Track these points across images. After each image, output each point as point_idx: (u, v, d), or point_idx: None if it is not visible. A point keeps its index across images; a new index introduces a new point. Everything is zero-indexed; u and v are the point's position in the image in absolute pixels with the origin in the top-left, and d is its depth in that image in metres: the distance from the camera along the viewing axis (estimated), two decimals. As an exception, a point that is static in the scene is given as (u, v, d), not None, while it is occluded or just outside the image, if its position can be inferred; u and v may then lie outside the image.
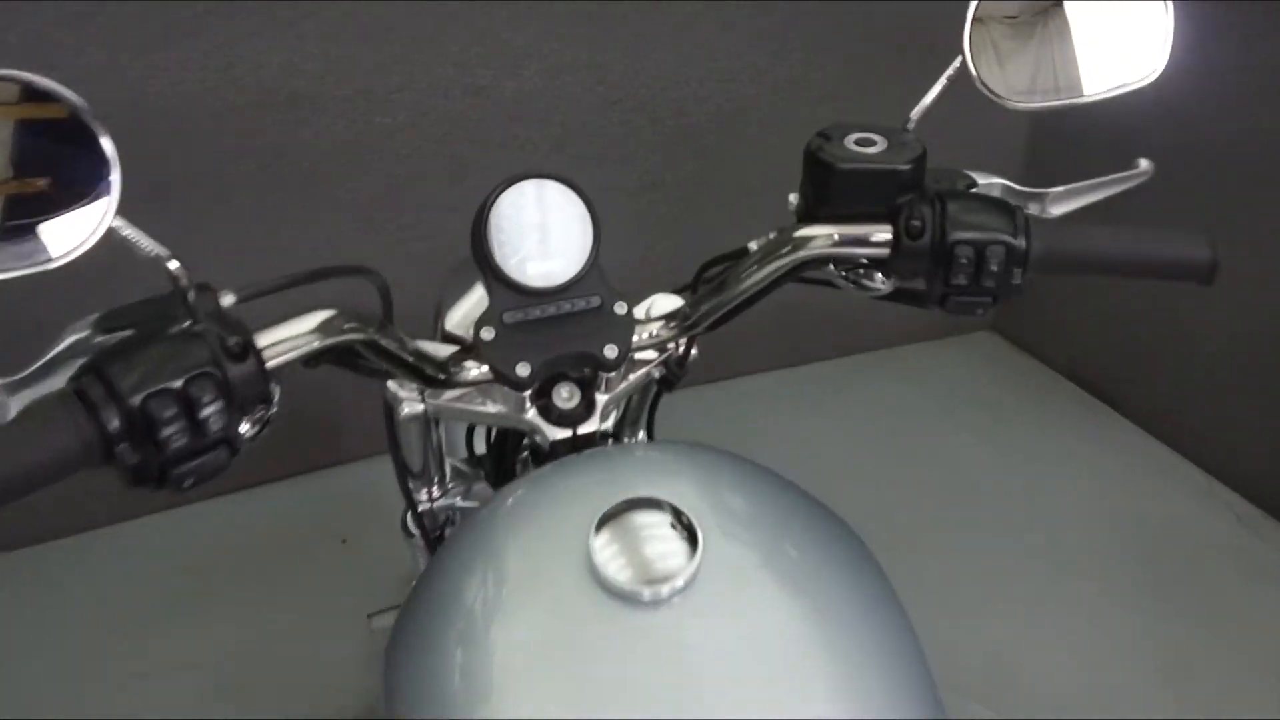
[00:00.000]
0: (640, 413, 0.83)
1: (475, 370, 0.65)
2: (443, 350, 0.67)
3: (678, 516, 0.54)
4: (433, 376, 0.63)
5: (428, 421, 0.75)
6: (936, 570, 1.82)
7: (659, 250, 2.14)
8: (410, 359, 0.60)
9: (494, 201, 0.66)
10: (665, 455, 0.64)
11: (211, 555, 1.93)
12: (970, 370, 2.53)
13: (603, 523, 0.54)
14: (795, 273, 0.62)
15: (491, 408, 0.69)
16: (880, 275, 0.62)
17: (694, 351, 0.73)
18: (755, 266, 0.62)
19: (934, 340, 2.64)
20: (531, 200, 0.67)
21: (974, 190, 0.59)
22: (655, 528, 0.55)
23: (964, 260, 0.55)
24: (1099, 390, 2.37)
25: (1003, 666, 1.64)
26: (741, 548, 0.55)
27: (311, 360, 0.53)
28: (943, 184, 0.58)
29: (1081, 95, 0.55)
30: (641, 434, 0.83)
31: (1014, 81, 0.55)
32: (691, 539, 0.53)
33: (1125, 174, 0.60)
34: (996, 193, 0.60)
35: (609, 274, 0.68)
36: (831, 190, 0.58)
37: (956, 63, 0.57)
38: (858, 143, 0.58)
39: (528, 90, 1.90)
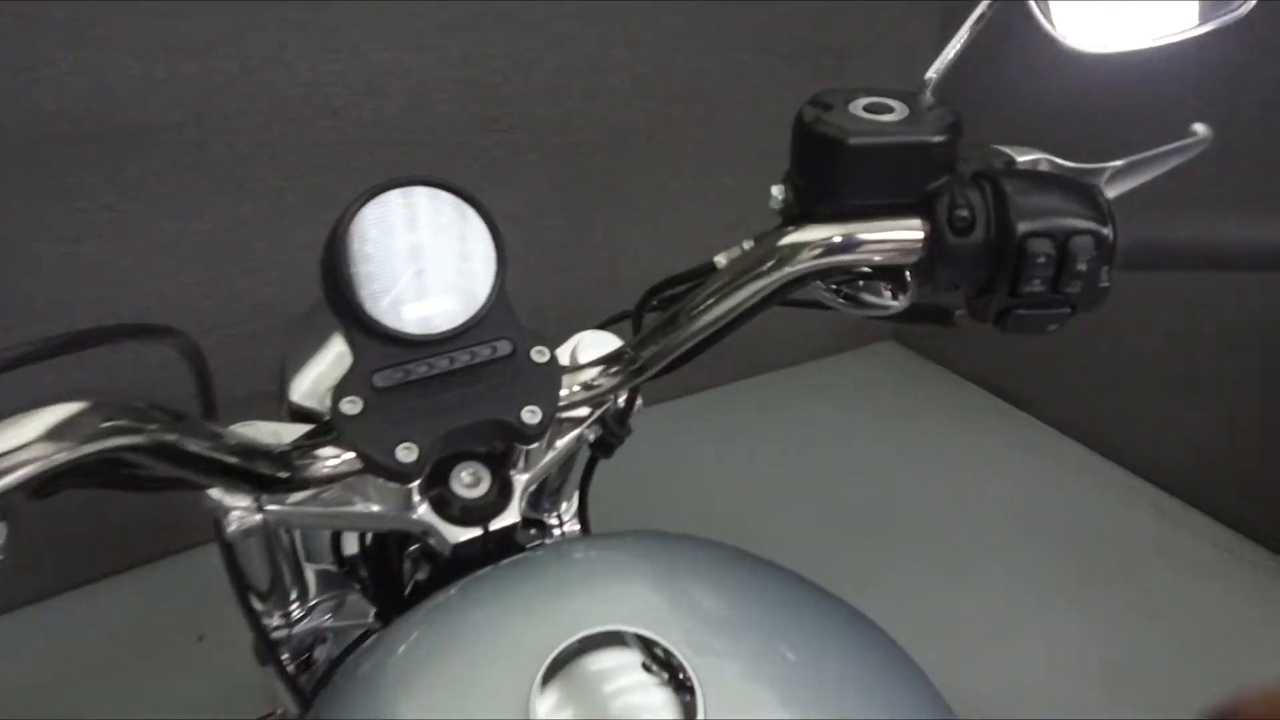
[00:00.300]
0: (565, 489, 0.64)
1: (335, 460, 0.45)
2: (285, 434, 0.46)
3: (656, 654, 0.36)
4: (264, 477, 0.42)
5: (272, 532, 0.55)
6: (866, 580, 1.72)
7: (550, 283, 1.96)
8: (230, 460, 0.40)
9: (351, 221, 0.46)
10: (625, 556, 0.46)
11: (38, 670, 1.61)
12: (877, 382, 2.49)
13: (551, 673, 0.36)
14: (784, 292, 0.45)
15: (363, 507, 0.49)
16: (891, 290, 0.45)
17: (638, 403, 0.55)
18: (727, 289, 0.45)
19: (836, 355, 2.57)
20: (404, 217, 0.48)
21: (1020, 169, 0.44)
22: (627, 673, 0.37)
23: (1041, 259, 0.39)
24: (1008, 394, 2.34)
25: (937, 670, 1.53)
26: (763, 691, 0.37)
27: (46, 487, 0.32)
28: (978, 164, 0.43)
29: (1170, 33, 0.41)
30: (570, 520, 0.64)
31: (1086, 20, 0.41)
32: (681, 685, 0.35)
33: (1184, 143, 0.47)
34: (1043, 170, 0.45)
35: (518, 309, 0.50)
36: (838, 175, 0.41)
37: (981, 8, 0.41)
38: (868, 109, 0.41)
39: (392, 111, 1.69)
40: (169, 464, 0.36)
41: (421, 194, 0.48)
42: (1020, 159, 0.44)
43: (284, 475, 0.43)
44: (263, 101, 1.58)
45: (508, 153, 1.82)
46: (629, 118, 1.90)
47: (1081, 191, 0.41)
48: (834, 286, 0.48)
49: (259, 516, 0.47)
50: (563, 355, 0.56)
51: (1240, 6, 0.41)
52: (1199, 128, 0.47)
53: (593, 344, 0.56)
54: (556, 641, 0.37)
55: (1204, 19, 0.42)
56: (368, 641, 0.47)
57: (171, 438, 0.35)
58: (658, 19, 1.85)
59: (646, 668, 0.38)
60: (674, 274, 0.51)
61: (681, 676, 0.36)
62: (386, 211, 0.47)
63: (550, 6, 1.74)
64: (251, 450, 0.42)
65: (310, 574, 0.65)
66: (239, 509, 0.47)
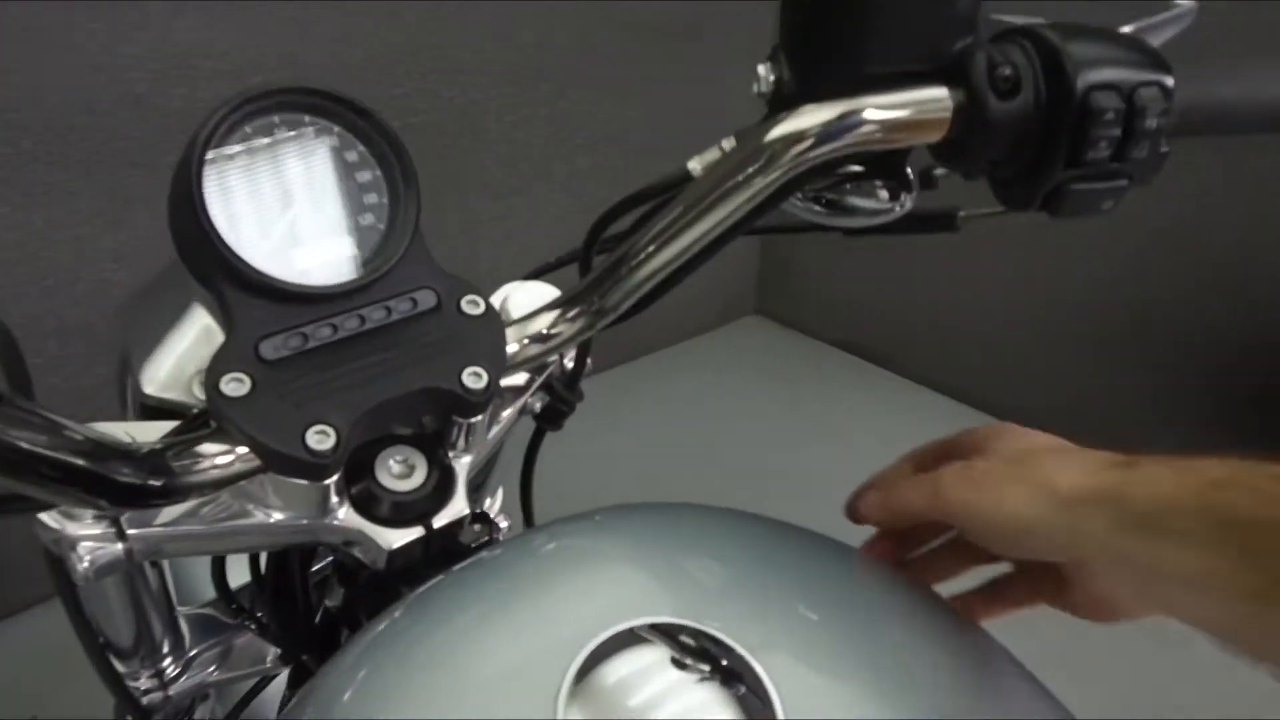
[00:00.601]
0: (492, 473, 0.54)
1: (223, 459, 0.34)
2: (144, 433, 0.35)
3: (700, 647, 0.28)
4: (130, 486, 0.31)
5: (135, 567, 0.42)
6: None
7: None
8: (76, 463, 0.28)
9: (206, 150, 0.35)
10: (616, 539, 0.37)
11: None
12: (746, 356, 2.52)
13: (572, 698, 0.28)
14: (781, 197, 0.37)
15: (262, 519, 0.38)
16: (889, 190, 0.39)
17: (588, 362, 0.47)
18: (708, 202, 0.37)
19: (702, 335, 2.56)
20: (283, 142, 0.37)
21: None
22: (667, 675, 0.29)
23: (1109, 114, 0.33)
24: (873, 355, 2.40)
25: None
26: (845, 685, 0.30)
27: None
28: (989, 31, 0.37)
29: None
30: (497, 512, 0.53)
31: None
32: (732, 678, 0.28)
33: (1169, 14, 0.43)
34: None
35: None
36: (848, 33, 0.33)
37: None
38: None
39: (204, 98, 1.50)
40: None
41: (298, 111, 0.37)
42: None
43: (155, 484, 0.31)
44: (50, 92, 1.36)
45: (344, 140, 1.67)
46: (475, 97, 1.79)
47: (1131, 40, 0.35)
48: (813, 194, 0.41)
49: (119, 547, 0.35)
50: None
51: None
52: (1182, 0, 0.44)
53: (525, 294, 0.46)
54: (569, 652, 0.28)
55: None
56: (301, 691, 0.35)
57: None
58: (494, -8, 1.75)
59: (682, 664, 0.30)
60: (632, 192, 0.43)
61: (739, 672, 0.28)
62: (258, 135, 0.36)
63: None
64: (105, 450, 0.30)
65: (182, 618, 0.52)
66: (90, 538, 0.34)
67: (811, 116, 0.35)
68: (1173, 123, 0.35)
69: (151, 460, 0.32)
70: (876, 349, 2.39)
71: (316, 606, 0.50)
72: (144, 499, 0.31)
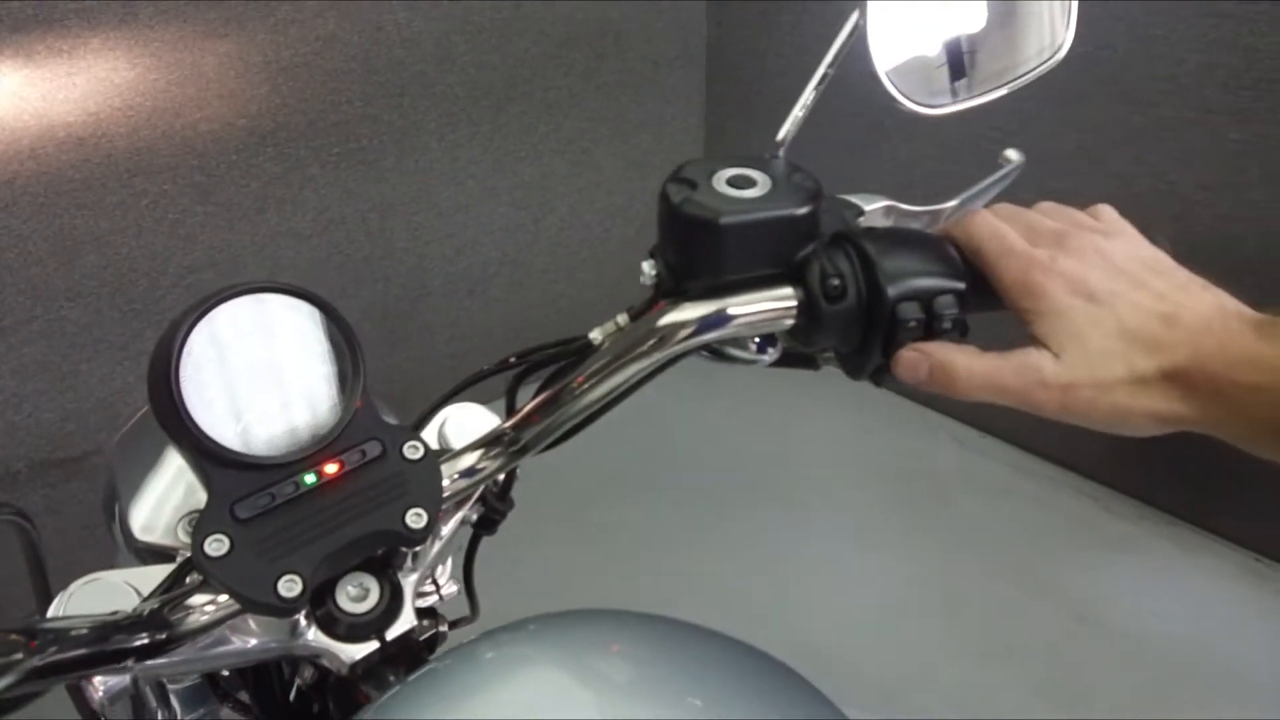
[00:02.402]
0: (440, 565, 0.62)
1: (210, 607, 0.41)
2: (138, 582, 0.42)
3: None
4: (142, 647, 0.39)
5: (142, 688, 0.50)
6: (702, 528, 1.86)
7: (357, 299, 1.86)
8: (101, 650, 0.35)
9: (184, 341, 0.42)
10: (534, 648, 0.45)
11: None
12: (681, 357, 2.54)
13: None
14: (672, 362, 0.45)
15: (242, 644, 0.46)
16: (759, 345, 0.47)
17: (517, 474, 0.54)
18: (610, 369, 0.45)
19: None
20: (243, 330, 0.44)
21: (868, 224, 0.47)
22: None
23: (912, 323, 0.41)
24: (811, 351, 2.47)
25: (788, 614, 1.65)
26: None
27: None
28: (831, 219, 0.45)
29: (991, 88, 0.45)
30: (448, 588, 0.61)
31: (926, 85, 0.43)
32: None
33: (1003, 171, 0.51)
34: (889, 219, 0.48)
35: (380, 404, 0.47)
36: (712, 253, 0.41)
37: (823, 69, 0.43)
38: (731, 183, 0.42)
39: (147, 137, 1.53)
40: (37, 684, 0.32)
41: (260, 302, 0.44)
42: (867, 208, 0.47)
43: (161, 638, 0.39)
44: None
45: (286, 168, 1.70)
46: (416, 118, 1.83)
47: (935, 246, 0.44)
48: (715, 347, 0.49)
49: (128, 678, 0.43)
50: (429, 435, 0.53)
51: (1053, 57, 0.46)
52: (1011, 154, 0.51)
53: (460, 419, 0.54)
54: None
55: (1021, 74, 0.45)
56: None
57: (35, 661, 0.31)
58: (428, 14, 1.78)
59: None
60: (544, 345, 0.50)
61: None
62: (223, 326, 0.43)
63: (306, 4, 1.63)
64: (117, 628, 0.37)
65: (175, 698, 0.60)
66: (103, 672, 0.42)
67: (690, 311, 0.43)
68: (973, 303, 0.43)
69: (155, 620, 0.39)
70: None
71: (290, 684, 0.58)
72: (153, 654, 0.39)
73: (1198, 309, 0.39)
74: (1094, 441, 1.99)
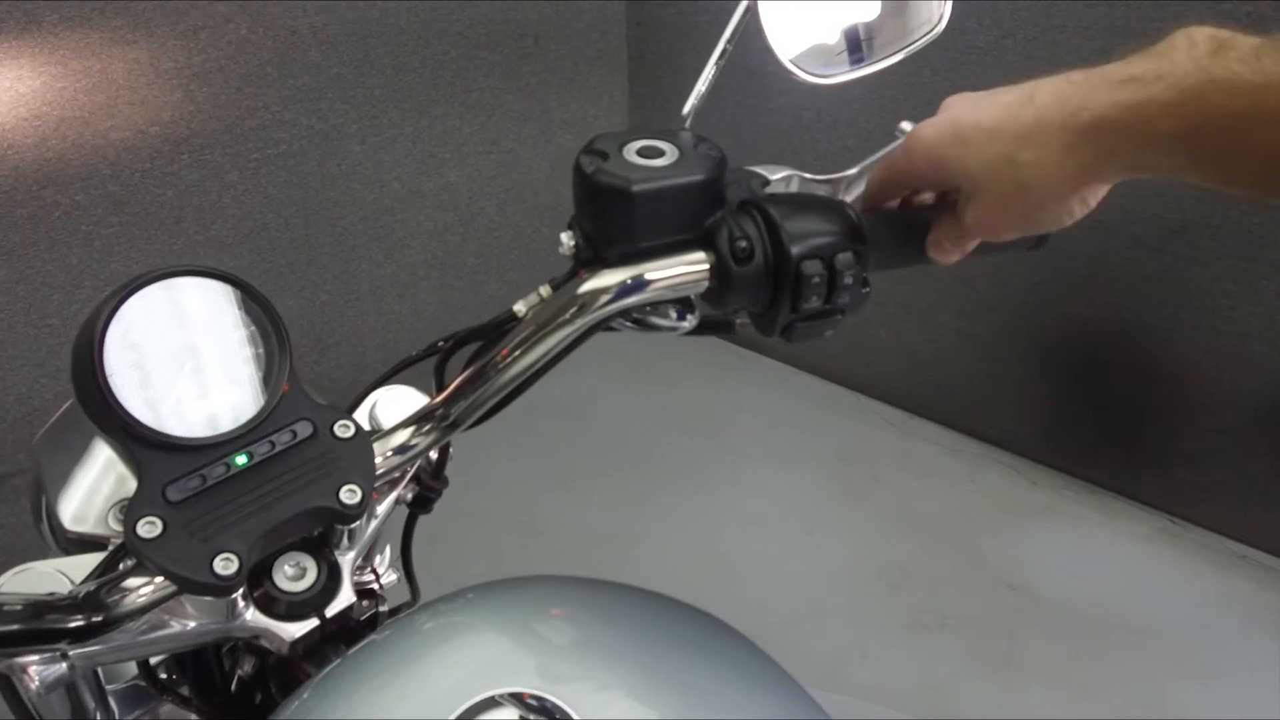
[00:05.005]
0: (378, 545, 0.62)
1: (146, 589, 0.41)
2: (70, 570, 0.42)
3: (534, 704, 0.38)
4: (78, 629, 0.39)
5: (77, 681, 0.49)
6: (644, 522, 1.88)
7: (282, 309, 1.83)
8: (31, 628, 0.36)
9: (107, 324, 0.42)
10: (473, 617, 0.46)
11: None
12: (621, 352, 2.55)
13: None
14: (589, 334, 0.47)
15: (180, 626, 0.46)
16: (678, 311, 0.49)
17: (451, 452, 0.55)
18: (534, 339, 0.46)
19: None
20: (167, 313, 0.44)
21: (774, 190, 0.49)
22: None
23: (816, 279, 0.44)
24: (744, 341, 2.51)
25: (739, 599, 1.67)
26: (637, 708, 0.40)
27: None
28: (739, 189, 0.47)
29: (879, 59, 0.47)
30: (387, 574, 0.61)
31: (816, 56, 0.46)
32: None
33: (898, 142, 0.54)
34: (794, 186, 0.50)
35: (309, 387, 0.48)
36: (626, 220, 0.43)
37: (722, 44, 0.45)
38: (641, 153, 0.44)
39: (56, 146, 1.49)
40: None
41: (183, 285, 0.45)
42: (773, 177, 0.49)
43: (97, 620, 0.39)
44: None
45: (204, 175, 1.67)
46: (336, 122, 1.81)
47: (836, 209, 0.46)
48: (635, 315, 0.51)
49: (63, 665, 0.42)
50: (361, 417, 0.54)
51: (933, 30, 0.49)
52: (906, 125, 0.54)
53: (390, 401, 0.54)
54: (444, 714, 0.38)
55: (903, 45, 0.48)
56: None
57: None
58: (343, 16, 1.77)
59: (528, 720, 0.39)
60: (472, 326, 0.52)
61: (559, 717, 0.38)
62: (147, 309, 0.44)
63: (217, 8, 1.61)
64: (50, 607, 0.37)
65: (113, 694, 0.59)
66: (38, 661, 0.42)
67: (609, 277, 0.45)
68: (873, 265, 0.46)
69: (90, 602, 0.39)
70: (747, 336, 2.52)
71: (231, 675, 0.58)
72: (89, 636, 0.39)
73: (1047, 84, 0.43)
74: (1020, 419, 2.08)
